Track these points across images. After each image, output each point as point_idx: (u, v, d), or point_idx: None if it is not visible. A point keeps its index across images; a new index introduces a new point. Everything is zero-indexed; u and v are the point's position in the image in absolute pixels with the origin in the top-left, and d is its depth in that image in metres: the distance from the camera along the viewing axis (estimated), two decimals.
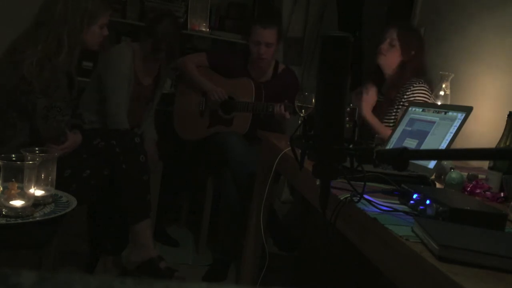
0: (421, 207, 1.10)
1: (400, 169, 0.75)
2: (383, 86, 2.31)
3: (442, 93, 1.99)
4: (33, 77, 1.76)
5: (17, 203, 1.36)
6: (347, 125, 1.73)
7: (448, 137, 1.52)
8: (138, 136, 2.14)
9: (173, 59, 2.61)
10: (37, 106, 1.79)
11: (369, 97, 2.24)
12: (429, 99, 2.12)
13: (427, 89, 2.15)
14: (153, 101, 2.70)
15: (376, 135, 2.05)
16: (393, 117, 2.23)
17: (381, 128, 2.16)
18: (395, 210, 1.11)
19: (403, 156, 0.74)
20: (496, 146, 1.52)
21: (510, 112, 1.49)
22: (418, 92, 2.14)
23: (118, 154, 2.01)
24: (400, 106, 2.19)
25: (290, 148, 0.94)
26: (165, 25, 2.46)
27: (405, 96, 2.17)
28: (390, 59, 2.24)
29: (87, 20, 1.90)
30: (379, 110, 2.28)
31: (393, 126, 2.11)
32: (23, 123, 1.84)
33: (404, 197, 1.19)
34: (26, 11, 1.94)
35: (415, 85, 2.17)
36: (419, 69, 2.24)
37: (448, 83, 2.00)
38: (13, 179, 1.35)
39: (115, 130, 2.30)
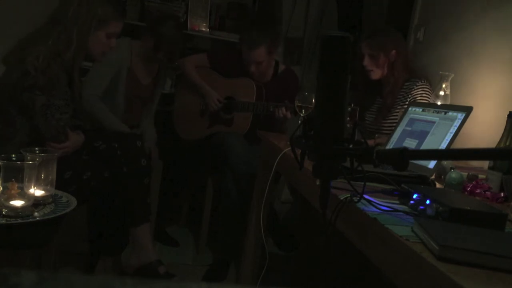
0: (421, 207, 1.10)
1: (400, 169, 0.75)
2: (383, 91, 2.30)
3: (442, 93, 1.99)
4: (37, 72, 1.76)
5: (17, 203, 1.36)
6: (348, 125, 1.73)
7: (448, 137, 1.52)
8: (140, 139, 2.14)
9: (172, 62, 2.61)
10: (36, 103, 1.79)
11: None
12: (430, 99, 2.12)
13: (429, 89, 2.16)
14: (153, 101, 2.69)
15: (376, 135, 2.05)
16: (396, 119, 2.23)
17: None
18: (395, 210, 1.11)
19: (403, 156, 0.74)
20: (496, 146, 1.52)
21: (510, 112, 1.49)
22: (422, 90, 2.15)
23: (119, 157, 2.00)
24: (405, 106, 2.19)
25: (290, 148, 0.93)
26: (169, 28, 2.46)
27: (410, 96, 2.17)
28: (378, 70, 2.26)
29: (96, 24, 1.92)
30: (379, 113, 2.28)
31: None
32: (23, 121, 1.83)
33: (404, 197, 1.19)
34: (36, 11, 1.97)
35: (418, 84, 2.17)
36: (406, 63, 2.25)
37: (448, 83, 2.01)
38: (13, 179, 1.35)
39: (117, 132, 2.29)
